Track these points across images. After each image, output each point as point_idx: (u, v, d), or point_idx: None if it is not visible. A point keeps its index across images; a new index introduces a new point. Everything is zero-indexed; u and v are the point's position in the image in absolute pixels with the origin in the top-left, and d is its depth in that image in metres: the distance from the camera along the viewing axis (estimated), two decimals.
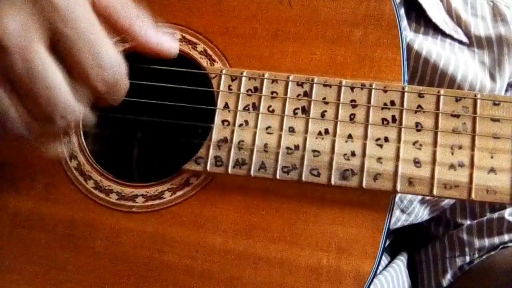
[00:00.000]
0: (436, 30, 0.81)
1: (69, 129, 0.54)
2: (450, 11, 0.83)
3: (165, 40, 0.53)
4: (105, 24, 0.50)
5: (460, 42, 0.81)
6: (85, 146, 0.60)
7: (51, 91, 0.45)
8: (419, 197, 0.78)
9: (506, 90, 0.82)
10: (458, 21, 0.83)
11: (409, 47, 0.77)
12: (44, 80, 0.44)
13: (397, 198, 0.76)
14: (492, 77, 0.80)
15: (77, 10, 0.45)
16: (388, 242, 0.85)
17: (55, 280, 0.57)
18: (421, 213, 0.81)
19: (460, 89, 0.75)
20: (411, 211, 0.79)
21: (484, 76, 0.79)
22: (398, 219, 0.80)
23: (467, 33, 0.82)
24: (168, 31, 0.60)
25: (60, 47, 0.45)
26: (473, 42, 0.81)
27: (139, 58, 0.58)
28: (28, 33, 0.44)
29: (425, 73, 0.77)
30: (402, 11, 0.80)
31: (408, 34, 0.78)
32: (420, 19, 0.81)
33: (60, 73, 0.45)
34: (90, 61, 0.45)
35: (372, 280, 0.53)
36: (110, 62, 0.46)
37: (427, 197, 0.78)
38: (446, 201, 0.81)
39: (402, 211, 0.79)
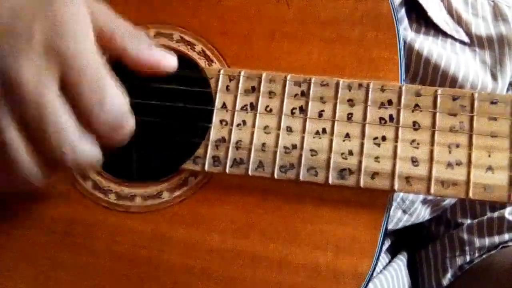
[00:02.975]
0: (437, 30, 0.81)
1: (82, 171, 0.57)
2: (451, 11, 0.83)
3: (163, 59, 0.55)
4: (105, 50, 0.53)
5: (461, 42, 0.81)
6: None
7: (61, 134, 0.47)
8: (421, 197, 0.78)
9: (508, 90, 0.82)
10: (459, 21, 0.83)
11: (410, 48, 0.77)
12: (55, 124, 0.47)
13: (399, 198, 0.76)
14: (494, 77, 0.80)
15: (84, 59, 0.48)
16: (389, 242, 0.85)
17: (54, 280, 0.57)
18: (422, 213, 0.81)
19: (462, 89, 0.75)
20: (413, 212, 0.79)
21: (486, 75, 0.79)
22: (400, 219, 0.80)
23: (468, 33, 0.82)
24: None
25: (69, 93, 0.48)
26: (474, 42, 0.81)
27: None
28: (42, 81, 0.47)
29: (426, 73, 0.77)
30: (402, 12, 0.80)
31: (408, 34, 0.78)
32: (421, 20, 0.81)
33: (70, 117, 0.48)
34: (96, 107, 0.48)
35: (370, 279, 0.53)
36: (114, 108, 0.49)
37: (429, 197, 0.78)
38: (447, 200, 0.81)
39: (404, 211, 0.79)
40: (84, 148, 0.49)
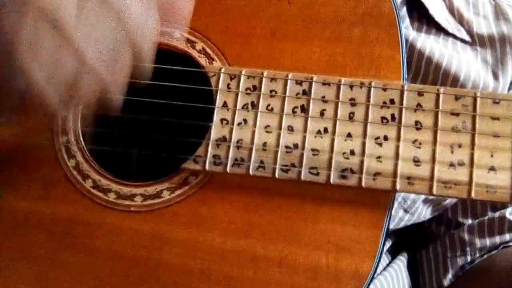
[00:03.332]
0: (438, 29, 0.80)
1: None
2: (452, 10, 0.83)
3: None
4: None
5: (463, 41, 0.81)
6: (84, 145, 0.60)
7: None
8: (423, 197, 0.78)
9: (509, 89, 0.82)
10: (460, 19, 0.82)
11: (412, 46, 0.77)
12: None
13: (400, 198, 0.76)
14: (495, 76, 0.80)
15: None
16: (390, 242, 0.85)
17: (54, 280, 0.57)
18: (424, 213, 0.81)
19: (463, 88, 0.75)
20: (414, 211, 0.79)
21: (487, 75, 0.79)
22: (402, 219, 0.79)
23: (469, 32, 0.81)
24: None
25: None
26: (476, 40, 0.81)
27: None
28: None
29: (427, 72, 0.77)
30: (404, 10, 0.79)
31: (410, 33, 0.78)
32: (422, 18, 0.81)
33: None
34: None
35: (371, 280, 0.53)
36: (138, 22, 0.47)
37: (430, 197, 0.78)
38: (449, 200, 0.81)
39: (406, 211, 0.79)
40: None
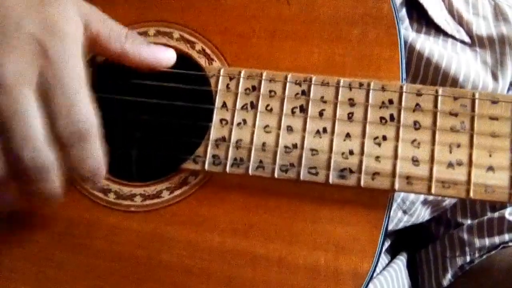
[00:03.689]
0: (438, 30, 0.80)
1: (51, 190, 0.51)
2: (451, 11, 0.83)
3: (161, 53, 0.57)
4: (100, 52, 0.55)
5: (462, 42, 0.81)
6: None
7: (28, 130, 0.47)
8: (421, 198, 0.78)
9: (508, 90, 0.82)
10: (459, 20, 0.83)
11: (411, 48, 0.77)
12: (24, 121, 0.46)
13: (399, 199, 0.76)
14: (494, 77, 0.80)
15: (66, 65, 0.48)
16: (389, 242, 0.85)
17: (53, 280, 0.57)
18: (423, 214, 0.81)
19: (462, 89, 0.75)
20: (413, 212, 0.79)
21: (486, 76, 0.79)
22: (400, 220, 0.79)
23: (469, 33, 0.82)
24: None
25: (43, 92, 0.48)
26: (475, 41, 0.81)
27: None
28: (22, 77, 0.47)
29: (427, 73, 0.77)
30: (403, 11, 0.80)
31: (409, 34, 0.78)
32: (422, 19, 0.81)
33: (40, 117, 0.47)
34: (63, 112, 0.48)
35: (370, 279, 0.53)
36: (81, 118, 0.48)
37: (429, 198, 0.78)
38: (448, 201, 0.81)
39: (405, 212, 0.79)
40: (47, 155, 0.48)
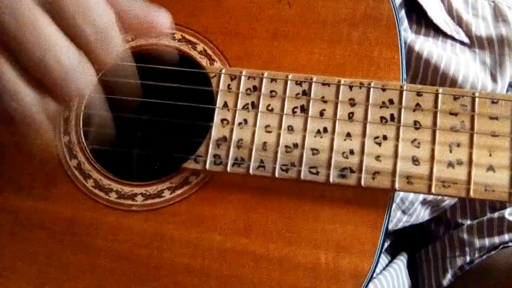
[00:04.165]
0: (437, 31, 0.81)
1: (74, 100, 0.49)
2: (451, 12, 0.84)
3: (155, 12, 0.53)
4: None
5: (461, 42, 0.81)
6: (85, 145, 0.60)
7: (43, 43, 0.43)
8: (421, 198, 0.78)
9: (507, 91, 0.82)
10: (459, 21, 0.83)
11: (410, 49, 0.78)
12: (35, 32, 0.43)
13: (398, 199, 0.76)
14: (493, 78, 0.80)
15: None
16: (388, 242, 0.85)
17: (55, 279, 0.57)
18: (422, 214, 0.81)
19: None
20: (413, 212, 0.79)
21: (485, 76, 0.79)
22: (400, 220, 0.80)
23: (468, 34, 0.82)
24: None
25: (51, 7, 0.44)
26: (474, 42, 0.81)
27: (138, 58, 0.59)
28: None
29: (426, 74, 0.78)
30: (402, 13, 0.80)
31: (409, 35, 0.79)
32: (421, 20, 0.81)
33: (51, 25, 0.44)
34: (79, 15, 0.44)
35: (370, 279, 0.53)
36: (98, 17, 0.45)
37: (429, 198, 0.78)
38: (447, 201, 0.81)
39: (404, 212, 0.79)
40: (70, 54, 0.44)
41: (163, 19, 0.53)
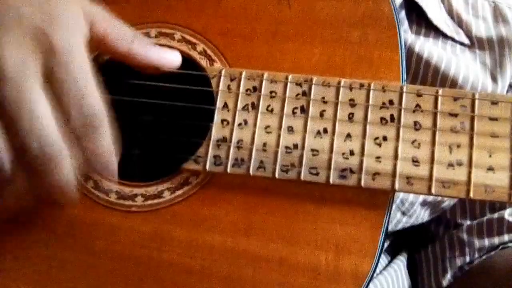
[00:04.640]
0: (437, 32, 0.81)
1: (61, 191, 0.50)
2: (451, 13, 0.84)
3: (166, 55, 0.57)
4: (106, 52, 0.55)
5: (462, 43, 0.81)
6: None
7: (36, 123, 0.46)
8: (420, 199, 0.78)
9: (507, 91, 0.82)
10: (459, 22, 0.83)
11: (410, 50, 0.78)
12: (31, 111, 0.45)
13: (398, 200, 0.76)
14: (494, 79, 0.80)
15: (72, 56, 0.48)
16: (388, 242, 0.85)
17: (54, 280, 0.57)
18: (421, 215, 0.81)
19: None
20: (412, 213, 0.80)
21: (486, 77, 0.79)
22: (399, 221, 0.80)
23: (468, 34, 0.82)
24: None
25: (50, 85, 0.47)
26: (475, 43, 0.82)
27: None
28: (26, 68, 0.46)
29: (426, 75, 0.78)
30: (402, 13, 0.80)
31: (409, 36, 0.79)
32: (421, 21, 0.81)
33: (49, 109, 0.47)
34: (75, 103, 0.47)
35: (371, 279, 0.53)
36: (91, 109, 0.48)
37: (429, 199, 0.78)
38: (447, 202, 0.81)
39: (403, 213, 0.79)
40: (56, 145, 0.47)
41: (174, 57, 0.58)
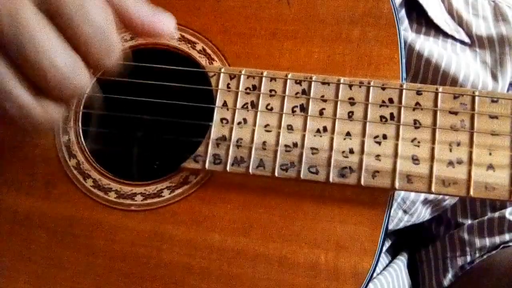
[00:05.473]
0: (437, 30, 0.81)
1: (71, 101, 0.49)
2: (451, 12, 0.84)
3: (160, 16, 0.51)
4: None
5: (462, 42, 0.81)
6: (84, 145, 0.60)
7: (41, 50, 0.43)
8: (422, 198, 0.78)
9: (508, 90, 0.82)
10: (459, 21, 0.83)
11: (411, 48, 0.78)
12: (33, 39, 0.43)
13: (399, 199, 0.76)
14: (494, 77, 0.80)
15: None
16: (389, 242, 0.85)
17: (54, 279, 0.57)
18: (423, 214, 0.81)
19: None
20: (414, 212, 0.79)
21: (486, 76, 0.79)
22: (401, 219, 0.80)
23: (468, 33, 0.82)
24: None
25: (46, 5, 0.44)
26: (475, 42, 0.81)
27: (138, 58, 0.59)
28: None
29: (427, 74, 0.77)
30: (403, 12, 0.80)
31: (409, 35, 0.78)
32: (421, 20, 0.81)
33: (49, 31, 0.44)
34: (77, 17, 0.44)
35: (371, 278, 0.53)
36: (97, 18, 0.45)
37: (430, 197, 0.78)
38: (448, 201, 0.81)
39: (405, 211, 0.79)
40: (68, 63, 0.44)
41: (168, 22, 0.51)
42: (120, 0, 0.49)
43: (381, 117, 0.54)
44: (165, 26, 0.51)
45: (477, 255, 0.78)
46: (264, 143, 0.55)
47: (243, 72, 0.57)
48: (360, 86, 0.55)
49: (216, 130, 0.57)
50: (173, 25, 0.52)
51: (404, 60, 0.57)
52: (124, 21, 0.49)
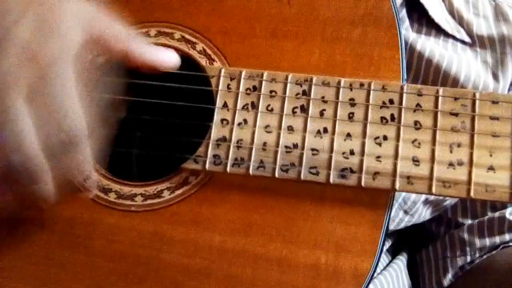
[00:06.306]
0: (438, 30, 0.80)
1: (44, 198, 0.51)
2: (452, 11, 0.83)
3: (164, 54, 0.57)
4: (102, 52, 0.55)
5: (463, 42, 0.81)
6: None
7: (17, 135, 0.46)
8: (423, 198, 0.78)
9: (509, 90, 0.82)
10: (460, 21, 0.83)
11: (412, 48, 0.77)
12: (12, 125, 0.46)
13: (400, 199, 0.76)
14: (495, 77, 0.80)
15: (56, 69, 0.47)
16: (390, 242, 0.85)
17: (54, 279, 0.57)
18: (424, 214, 0.81)
19: (463, 89, 0.75)
20: (415, 212, 0.79)
21: (487, 76, 0.79)
22: (402, 220, 0.79)
23: (469, 33, 0.82)
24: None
25: (34, 101, 0.47)
26: (476, 41, 0.81)
27: None
28: (10, 80, 0.46)
29: (428, 73, 0.77)
30: (403, 12, 0.80)
31: (410, 35, 0.78)
32: (422, 20, 0.81)
33: (30, 123, 0.46)
34: (52, 120, 0.47)
35: (371, 279, 0.53)
36: (69, 126, 0.48)
37: (431, 198, 0.78)
38: (448, 201, 0.81)
39: (406, 212, 0.79)
40: (37, 160, 0.47)
41: (172, 57, 0.58)
42: (136, 47, 0.54)
43: (382, 118, 0.54)
44: (168, 62, 0.57)
45: (477, 255, 0.78)
46: (264, 144, 0.55)
47: (243, 72, 0.57)
48: (360, 87, 0.55)
49: (216, 131, 0.56)
50: (177, 59, 0.58)
51: (404, 61, 0.56)
52: (136, 64, 0.55)
